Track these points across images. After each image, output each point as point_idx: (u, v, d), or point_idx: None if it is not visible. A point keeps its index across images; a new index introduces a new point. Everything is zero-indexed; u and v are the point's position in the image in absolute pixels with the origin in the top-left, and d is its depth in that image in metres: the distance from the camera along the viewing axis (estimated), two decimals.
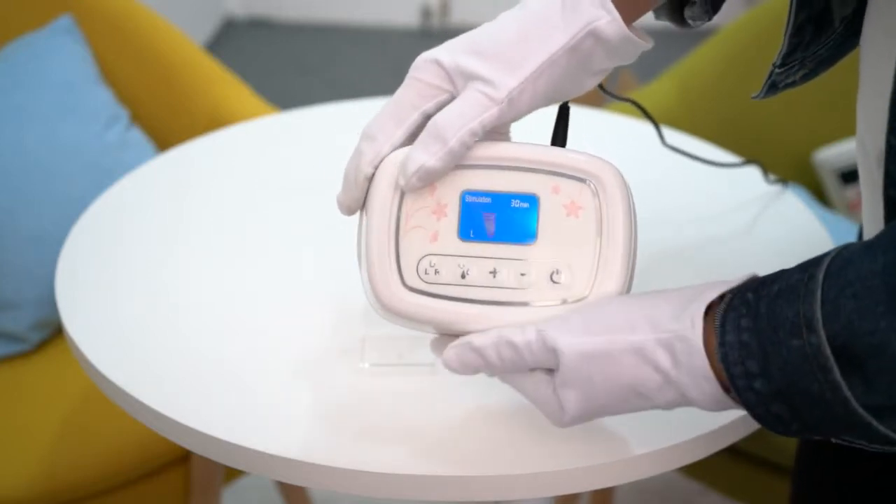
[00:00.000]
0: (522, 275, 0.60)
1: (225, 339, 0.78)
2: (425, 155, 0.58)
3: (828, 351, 0.48)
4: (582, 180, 0.60)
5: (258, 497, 1.63)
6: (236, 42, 3.53)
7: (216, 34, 3.55)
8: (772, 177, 0.99)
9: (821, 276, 0.49)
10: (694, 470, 1.35)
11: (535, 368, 0.58)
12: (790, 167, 1.50)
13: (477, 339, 0.58)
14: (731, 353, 0.51)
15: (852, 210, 1.44)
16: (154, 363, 0.75)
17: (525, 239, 0.60)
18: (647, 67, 2.32)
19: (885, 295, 0.46)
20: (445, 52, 0.59)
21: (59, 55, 1.39)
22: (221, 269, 0.87)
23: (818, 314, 0.48)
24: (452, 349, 0.59)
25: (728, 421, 0.69)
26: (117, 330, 0.79)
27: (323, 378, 0.74)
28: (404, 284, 0.60)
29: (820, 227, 0.93)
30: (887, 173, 0.56)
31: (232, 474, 1.31)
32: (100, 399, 1.14)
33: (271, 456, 0.66)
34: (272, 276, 0.86)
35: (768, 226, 0.94)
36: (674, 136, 1.07)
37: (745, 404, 0.51)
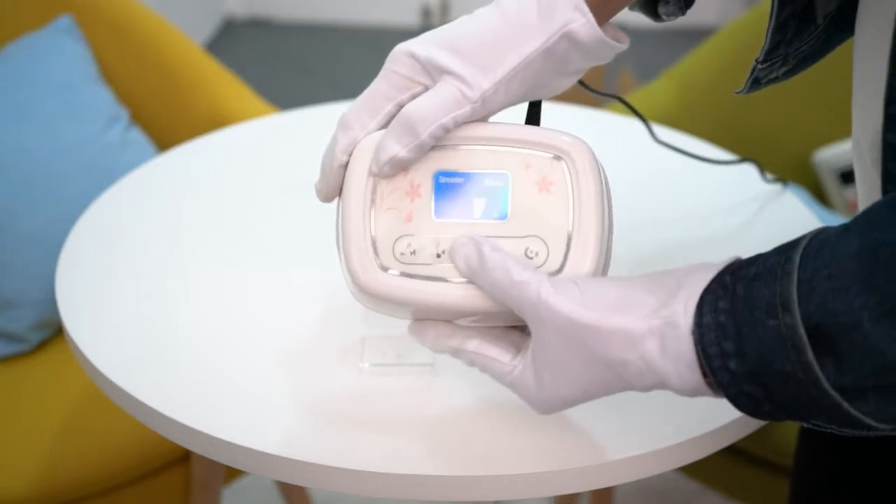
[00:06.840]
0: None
1: (224, 338, 0.78)
2: (397, 146, 0.59)
3: (802, 331, 0.48)
4: (552, 157, 0.60)
5: (258, 497, 1.63)
6: (236, 42, 3.53)
7: (216, 34, 3.55)
8: (769, 175, 0.99)
9: (797, 259, 0.49)
10: (694, 470, 1.35)
11: (508, 325, 0.59)
12: (790, 167, 1.50)
13: (488, 250, 0.58)
14: (707, 334, 0.51)
15: (852, 210, 1.44)
16: (154, 363, 0.75)
17: (498, 216, 0.60)
18: (647, 67, 2.33)
19: (859, 276, 0.46)
20: (421, 46, 0.60)
21: (59, 55, 1.39)
22: (222, 269, 0.87)
23: (794, 295, 0.48)
24: (470, 240, 0.58)
25: (728, 421, 0.69)
26: (117, 330, 0.79)
27: (323, 378, 0.74)
28: (381, 266, 0.60)
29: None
30: (885, 171, 0.56)
31: (232, 474, 1.31)
32: (100, 399, 1.14)
33: (271, 456, 0.66)
34: (272, 276, 0.86)
35: (767, 226, 0.94)
36: (672, 135, 1.07)
37: (720, 384, 0.51)
